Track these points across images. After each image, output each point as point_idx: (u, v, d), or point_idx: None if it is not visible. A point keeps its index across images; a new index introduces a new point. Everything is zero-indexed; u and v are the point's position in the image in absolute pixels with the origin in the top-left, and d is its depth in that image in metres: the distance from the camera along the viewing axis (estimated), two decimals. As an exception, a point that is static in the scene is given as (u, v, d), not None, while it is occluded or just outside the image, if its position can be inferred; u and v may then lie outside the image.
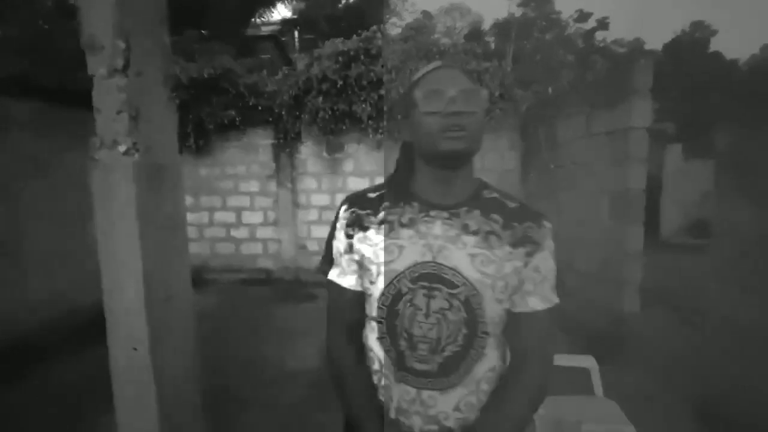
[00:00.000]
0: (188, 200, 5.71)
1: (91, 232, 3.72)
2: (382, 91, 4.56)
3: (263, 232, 5.68)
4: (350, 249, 0.81)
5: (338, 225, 0.84)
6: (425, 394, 0.75)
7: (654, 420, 2.08)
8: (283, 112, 5.16)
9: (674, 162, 9.14)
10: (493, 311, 0.74)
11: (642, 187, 2.99)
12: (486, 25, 22.30)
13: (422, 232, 0.76)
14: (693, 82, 14.84)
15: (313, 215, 5.52)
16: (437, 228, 0.76)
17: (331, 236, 0.86)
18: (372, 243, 0.78)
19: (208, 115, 5.15)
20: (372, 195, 0.83)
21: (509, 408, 0.75)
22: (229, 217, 5.71)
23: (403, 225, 0.78)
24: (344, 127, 5.01)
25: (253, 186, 5.61)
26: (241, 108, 5.22)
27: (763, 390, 2.00)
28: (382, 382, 0.79)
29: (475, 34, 19.24)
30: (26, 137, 3.39)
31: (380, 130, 4.75)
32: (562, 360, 2.01)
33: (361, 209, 0.82)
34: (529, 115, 4.60)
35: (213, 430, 1.49)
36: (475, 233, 0.76)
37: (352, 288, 0.82)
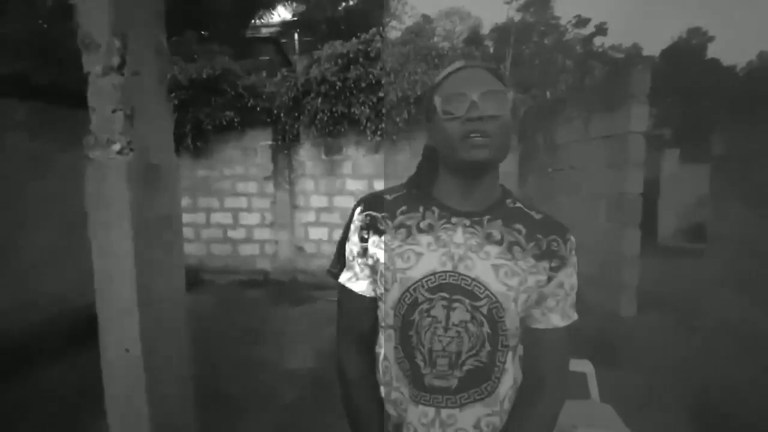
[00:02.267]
0: (185, 201, 5.69)
1: (86, 234, 3.70)
2: (381, 94, 4.56)
3: (260, 234, 5.66)
4: (364, 253, 0.77)
5: (352, 227, 0.79)
6: (444, 413, 0.71)
7: (650, 424, 2.07)
8: (282, 114, 5.16)
9: (671, 167, 9.18)
10: (513, 325, 0.71)
11: (639, 191, 2.99)
12: (485, 30, 22.41)
13: (442, 239, 0.72)
14: (690, 88, 14.96)
15: (310, 217, 5.51)
16: (458, 236, 0.72)
17: (344, 238, 0.81)
18: (388, 248, 0.74)
19: (206, 116, 5.14)
20: (389, 197, 0.78)
21: (531, 428, 0.73)
22: (227, 218, 5.70)
23: (421, 231, 0.73)
24: (342, 129, 5.01)
25: (251, 187, 5.60)
26: (240, 109, 5.22)
27: (760, 392, 2.00)
28: (392, 396, 0.76)
29: (474, 38, 19.33)
30: (24, 137, 3.38)
31: (379, 133, 4.76)
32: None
33: (377, 212, 0.77)
34: (528, 118, 4.61)
35: (206, 433, 1.47)
36: (498, 243, 0.72)
37: (364, 294, 0.78)
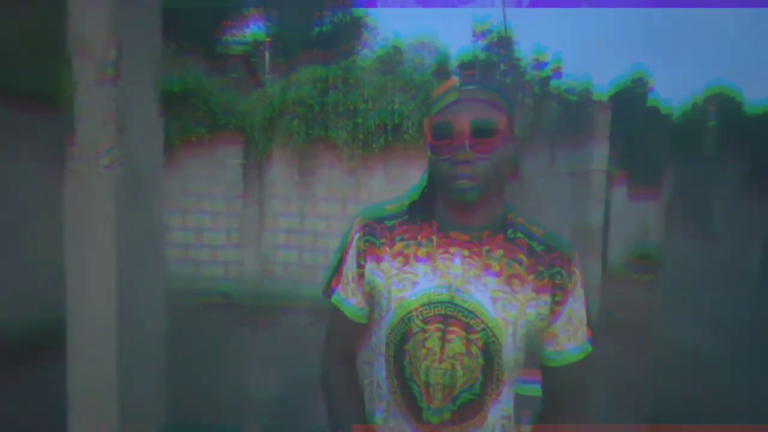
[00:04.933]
0: (145, 217, 5.37)
1: (27, 244, 3.34)
2: (359, 119, 4.65)
3: (225, 254, 5.43)
4: (359, 279, 0.76)
5: (350, 251, 0.78)
6: None
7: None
8: (255, 133, 5.09)
9: (620, 201, 9.93)
10: (510, 358, 0.70)
11: (601, 224, 3.21)
12: (452, 62, 23.61)
13: (440, 268, 0.70)
14: (635, 130, 16.49)
15: (280, 239, 5.37)
16: (456, 265, 0.70)
17: (341, 258, 0.80)
18: (384, 275, 0.73)
19: (175, 131, 4.96)
20: (389, 222, 0.76)
21: None
22: (189, 236, 5.42)
23: (419, 258, 0.72)
24: (317, 151, 5.01)
25: (217, 205, 5.40)
26: (211, 125, 5.09)
27: (710, 409, 2.14)
28: (388, 422, 0.75)
29: (442, 72, 20.31)
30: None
31: (355, 157, 4.80)
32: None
33: (377, 238, 0.75)
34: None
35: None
36: (497, 275, 0.70)
37: (352, 318, 0.78)
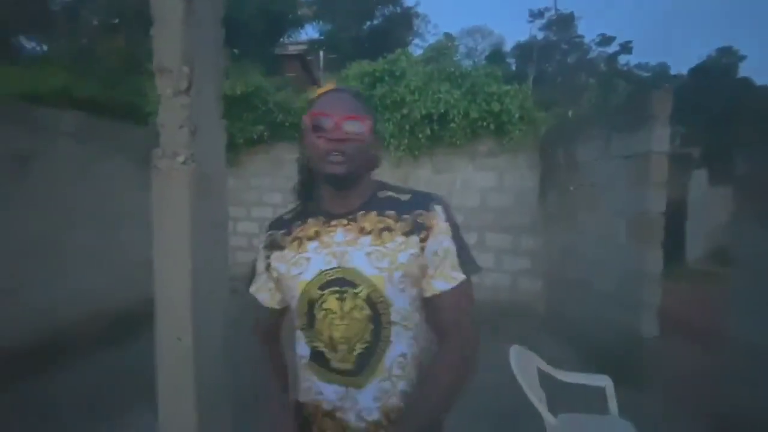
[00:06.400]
0: (215, 209, 5.95)
1: (124, 236, 3.90)
2: (405, 111, 4.72)
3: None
4: (268, 268, 0.90)
5: (261, 247, 0.94)
6: (351, 391, 0.81)
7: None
8: (309, 129, 5.38)
9: (700, 187, 8.93)
10: (396, 301, 0.80)
11: (661, 211, 3.00)
12: (508, 47, 22.57)
13: (326, 241, 0.83)
14: (720, 108, 14.60)
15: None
16: (339, 235, 0.83)
17: (256, 259, 0.97)
18: (286, 260, 0.86)
19: (239, 130, 5.41)
20: (287, 216, 0.93)
21: (433, 384, 0.78)
22: (252, 227, 5.92)
23: (309, 239, 0.85)
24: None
25: (277, 198, 5.81)
26: (270, 124, 5.47)
27: None
28: (306, 384, 0.87)
29: (496, 55, 19.52)
30: (71, 143, 3.65)
31: (402, 148, 4.90)
32: (578, 378, 2.04)
33: (277, 230, 0.91)
34: (549, 136, 4.67)
35: (239, 422, 1.60)
36: (369, 233, 0.82)
37: (265, 303, 0.94)
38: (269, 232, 0.93)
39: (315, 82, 10.71)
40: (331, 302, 0.80)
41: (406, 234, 0.82)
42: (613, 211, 3.41)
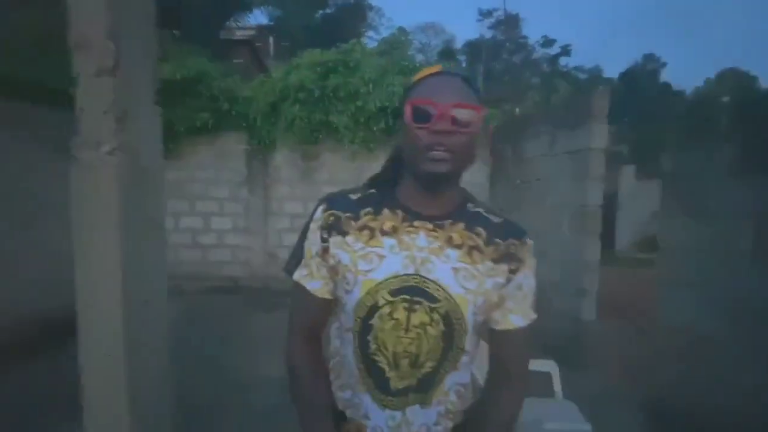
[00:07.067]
0: (154, 204, 5.50)
1: (42, 234, 3.47)
2: (359, 103, 4.65)
3: (232, 239, 5.56)
4: (325, 253, 0.76)
5: (313, 225, 0.78)
6: (408, 411, 0.74)
7: (609, 420, 2.23)
8: (258, 119, 5.14)
9: (628, 181, 9.82)
10: (470, 327, 0.73)
11: (599, 203, 3.22)
12: (458, 45, 23.14)
13: (405, 242, 0.73)
14: (645, 109, 16.07)
15: (285, 223, 5.48)
16: (421, 239, 0.73)
17: (304, 236, 0.80)
18: (350, 249, 0.74)
19: (179, 118, 5.03)
20: (354, 197, 0.78)
21: (496, 416, 0.77)
22: (197, 222, 5.56)
23: (384, 233, 0.74)
24: (320, 136, 5.04)
25: (223, 191, 5.50)
26: (215, 112, 5.14)
27: (710, 390, 2.20)
28: (353, 400, 0.78)
29: (448, 52, 19.92)
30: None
31: (356, 141, 4.83)
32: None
33: (342, 211, 0.76)
34: (498, 132, 4.84)
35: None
36: (459, 247, 0.73)
37: (316, 293, 0.78)
38: (330, 211, 0.76)
39: (264, 70, 10.24)
40: (400, 312, 0.71)
41: (495, 260, 0.74)
42: (557, 205, 3.61)
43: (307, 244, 0.78)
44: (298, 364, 0.79)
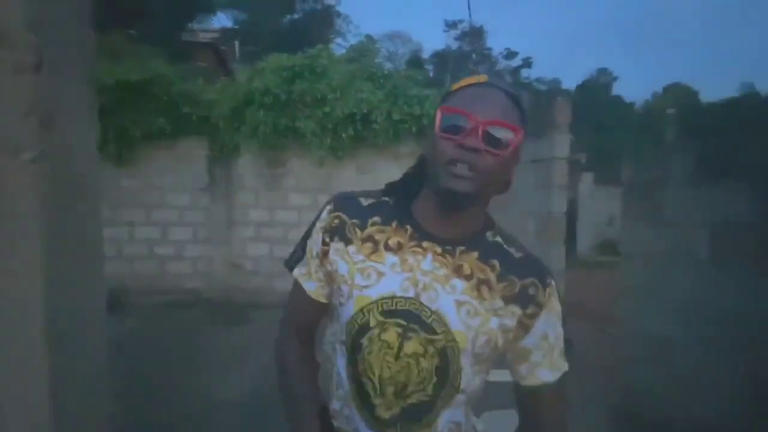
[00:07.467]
0: (105, 213, 5.14)
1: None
2: (327, 109, 4.57)
3: (192, 250, 5.27)
4: (324, 256, 0.72)
5: (317, 225, 0.74)
6: None
7: (574, 422, 2.25)
8: (221, 124, 4.93)
9: (587, 187, 10.31)
10: (467, 365, 0.67)
11: (563, 211, 3.31)
12: (425, 54, 23.61)
13: (408, 263, 0.67)
14: (600, 119, 17.08)
15: (249, 232, 5.26)
16: (427, 262, 0.67)
17: (308, 233, 0.77)
18: (350, 260, 0.69)
19: (133, 122, 4.73)
20: (364, 202, 0.72)
21: None
22: (153, 232, 5.23)
23: (389, 249, 0.68)
24: (286, 142, 4.91)
25: (183, 199, 5.22)
26: (173, 116, 4.89)
27: (670, 390, 2.27)
28: (344, 412, 0.73)
29: (415, 61, 20.26)
30: None
31: (323, 148, 4.74)
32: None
33: (348, 216, 0.71)
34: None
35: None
36: (467, 278, 0.66)
37: (311, 294, 0.75)
38: (336, 213, 0.71)
39: (229, 74, 9.94)
40: (391, 335, 0.65)
41: (506, 300, 0.66)
42: (524, 212, 3.67)
43: (309, 243, 0.75)
44: (287, 357, 0.77)
